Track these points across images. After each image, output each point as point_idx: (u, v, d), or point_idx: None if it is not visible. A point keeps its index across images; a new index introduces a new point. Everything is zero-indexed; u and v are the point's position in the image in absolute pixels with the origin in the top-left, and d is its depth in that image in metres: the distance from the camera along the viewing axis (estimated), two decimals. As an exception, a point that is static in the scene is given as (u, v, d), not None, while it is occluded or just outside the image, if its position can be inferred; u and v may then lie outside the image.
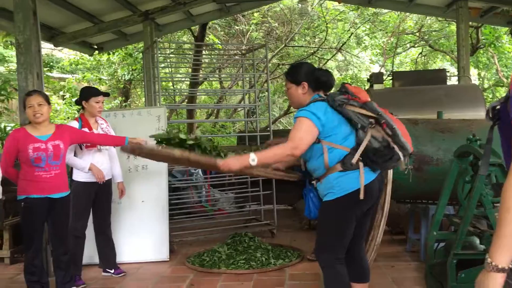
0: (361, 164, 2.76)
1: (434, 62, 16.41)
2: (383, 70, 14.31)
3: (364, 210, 2.92)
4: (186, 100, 11.88)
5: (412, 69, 15.25)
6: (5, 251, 5.14)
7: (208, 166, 2.95)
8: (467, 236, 2.92)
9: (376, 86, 6.88)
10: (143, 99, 7.37)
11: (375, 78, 7.04)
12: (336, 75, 18.62)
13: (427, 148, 4.30)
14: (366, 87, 8.29)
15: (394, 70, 11.98)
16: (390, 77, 8.14)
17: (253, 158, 2.63)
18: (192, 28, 10.93)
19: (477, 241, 2.98)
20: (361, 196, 2.73)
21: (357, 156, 2.72)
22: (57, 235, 3.89)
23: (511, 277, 1.50)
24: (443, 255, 3.06)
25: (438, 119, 4.80)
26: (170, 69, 7.97)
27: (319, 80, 2.92)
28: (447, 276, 2.77)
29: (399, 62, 16.82)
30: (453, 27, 11.56)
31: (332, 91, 3.03)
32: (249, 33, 12.99)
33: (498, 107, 1.74)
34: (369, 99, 2.86)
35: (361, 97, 2.82)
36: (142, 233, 5.06)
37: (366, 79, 9.01)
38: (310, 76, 2.93)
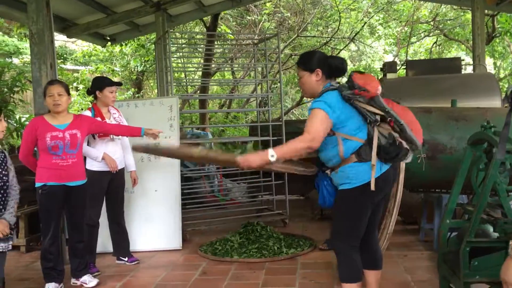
0: (374, 156, 2.76)
1: (449, 52, 16.19)
2: (396, 60, 14.16)
3: (379, 199, 2.93)
4: (199, 91, 11.89)
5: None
6: (21, 239, 5.21)
7: (227, 163, 2.93)
8: (480, 223, 2.88)
9: (390, 75, 6.82)
10: (156, 90, 7.39)
11: (389, 67, 6.96)
12: (349, 65, 18.50)
13: (440, 137, 4.25)
14: (380, 77, 8.20)
15: (407, 59, 11.84)
16: (404, 67, 8.05)
17: (272, 154, 2.63)
18: (204, 18, 10.90)
19: (491, 229, 2.94)
20: (372, 188, 2.74)
21: (374, 154, 2.73)
22: (73, 223, 3.97)
23: None
24: (456, 243, 3.03)
25: (452, 108, 4.74)
26: (182, 59, 7.98)
27: (332, 66, 2.89)
28: (459, 264, 2.74)
29: (413, 52, 16.63)
30: (468, 15, 11.38)
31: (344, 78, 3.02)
32: (261, 23, 12.94)
33: None
34: (378, 90, 2.80)
35: (369, 89, 2.76)
36: (155, 222, 5.10)
37: (379, 69, 8.92)
38: (323, 63, 2.89)
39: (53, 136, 3.74)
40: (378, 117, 2.76)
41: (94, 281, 3.99)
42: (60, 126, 3.81)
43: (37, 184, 3.81)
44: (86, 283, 3.98)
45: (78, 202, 3.92)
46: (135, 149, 3.38)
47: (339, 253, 2.93)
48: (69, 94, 3.91)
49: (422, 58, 15.75)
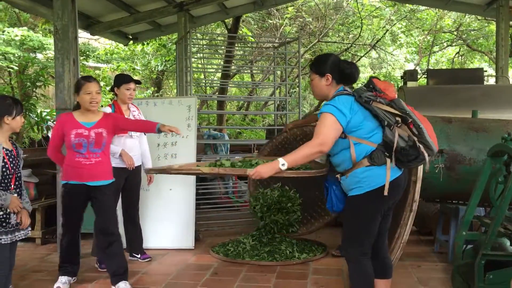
0: (388, 160, 2.75)
1: (472, 63, 15.99)
2: (418, 69, 14.04)
3: (389, 205, 2.91)
4: (217, 92, 11.95)
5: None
6: (37, 231, 5.29)
7: (238, 174, 2.96)
8: (497, 237, 2.84)
9: (410, 84, 6.75)
10: (175, 90, 7.46)
11: (409, 75, 6.90)
12: (370, 72, 18.39)
13: (460, 147, 4.20)
14: (400, 85, 8.15)
15: (429, 68, 11.73)
16: (425, 76, 7.97)
17: (283, 163, 2.70)
18: (226, 20, 10.96)
19: (508, 242, 2.90)
20: (385, 192, 2.72)
21: (390, 160, 2.72)
22: (99, 225, 3.80)
23: None
24: (471, 255, 2.99)
25: (473, 118, 4.68)
26: (202, 60, 8.03)
27: (343, 72, 2.90)
28: (474, 277, 2.70)
29: (435, 61, 16.46)
30: (493, 26, 11.23)
31: (359, 85, 3.02)
32: (282, 27, 12.95)
33: None
34: (396, 96, 2.82)
35: (388, 94, 2.79)
36: (168, 220, 5.13)
37: (399, 77, 8.86)
38: (334, 68, 2.90)
39: (78, 134, 3.67)
40: (399, 119, 2.75)
41: None
42: (87, 124, 3.73)
43: (61, 182, 3.80)
44: None
45: (103, 203, 3.76)
46: (148, 171, 3.40)
47: (350, 260, 2.91)
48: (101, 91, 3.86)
49: (444, 68, 15.59)
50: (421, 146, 2.72)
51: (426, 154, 2.72)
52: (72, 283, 3.92)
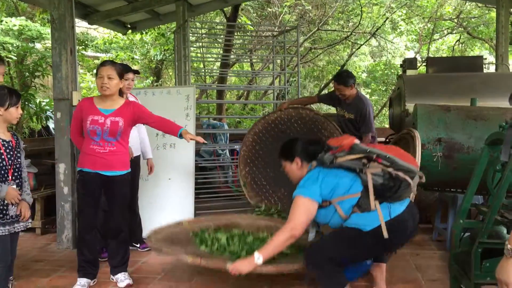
0: (376, 202, 2.73)
1: (472, 50, 15.90)
2: (418, 57, 13.98)
3: (394, 248, 2.92)
4: (216, 82, 11.92)
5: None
6: (37, 221, 5.31)
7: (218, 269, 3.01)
8: (494, 225, 2.84)
9: (409, 72, 6.71)
10: (176, 80, 7.45)
11: (409, 63, 6.86)
12: (370, 60, 18.32)
13: (458, 135, 4.19)
14: (399, 73, 8.11)
15: (429, 56, 11.66)
16: (424, 64, 7.94)
17: (257, 257, 2.71)
18: (225, 9, 10.88)
19: (504, 230, 2.91)
20: (385, 235, 2.67)
21: (372, 200, 2.71)
22: (110, 215, 3.72)
23: None
24: (468, 244, 2.99)
25: (471, 106, 4.66)
26: (201, 49, 7.99)
27: (309, 152, 3.00)
28: (471, 265, 2.71)
29: (435, 49, 16.37)
30: (493, 13, 11.15)
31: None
32: (281, 15, 12.86)
33: None
34: (354, 142, 2.89)
35: (345, 144, 2.87)
36: (168, 210, 5.14)
37: (399, 65, 8.83)
38: (301, 150, 3.02)
39: (94, 120, 3.54)
40: (364, 161, 2.77)
41: (126, 282, 3.69)
42: (105, 111, 3.58)
43: (77, 169, 3.67)
44: (118, 282, 3.72)
45: (115, 193, 3.64)
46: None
47: (321, 270, 2.81)
48: (121, 78, 3.63)
49: (444, 55, 15.52)
50: (399, 173, 2.71)
51: (408, 178, 2.71)
52: (92, 285, 3.71)
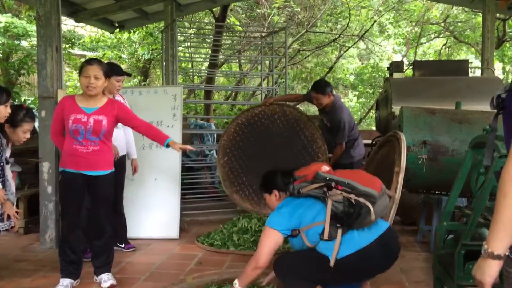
0: (339, 231, 2.76)
1: (458, 54, 16.08)
2: (405, 60, 14.09)
3: (358, 280, 3.00)
4: (205, 82, 11.88)
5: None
6: (20, 221, 5.22)
7: None
8: (477, 227, 2.87)
9: (396, 75, 6.76)
10: (163, 79, 7.41)
11: (395, 66, 6.92)
12: (358, 63, 18.42)
13: (443, 138, 4.23)
14: (386, 76, 8.16)
15: (415, 60, 11.76)
16: (411, 67, 8.00)
17: (235, 282, 2.91)
18: (214, 9, 10.86)
19: (487, 232, 2.94)
20: (331, 264, 2.71)
21: (326, 229, 2.74)
22: (92, 216, 3.69)
23: (509, 264, 1.47)
24: (452, 245, 3.02)
25: (456, 110, 4.71)
26: (190, 49, 7.96)
27: (284, 182, 3.07)
28: (454, 266, 2.74)
29: (422, 53, 16.53)
30: (480, 18, 11.28)
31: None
32: (270, 17, 12.88)
33: (503, 95, 1.71)
34: (322, 169, 2.95)
35: (309, 173, 2.93)
36: (153, 210, 5.12)
37: (386, 68, 8.88)
38: (277, 183, 3.12)
39: (76, 119, 3.46)
40: (325, 189, 2.82)
41: (109, 282, 3.63)
42: (88, 110, 3.49)
43: (60, 169, 3.61)
44: (101, 282, 3.66)
45: (99, 194, 3.59)
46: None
47: (286, 281, 2.91)
48: (106, 76, 3.56)
49: (431, 59, 15.66)
50: (360, 199, 2.74)
51: (368, 204, 2.72)
52: (75, 285, 3.66)
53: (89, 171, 3.53)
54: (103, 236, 3.69)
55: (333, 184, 2.80)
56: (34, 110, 7.89)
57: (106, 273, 3.70)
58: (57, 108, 3.63)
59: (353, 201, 2.73)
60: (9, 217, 3.15)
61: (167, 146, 3.68)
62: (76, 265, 3.65)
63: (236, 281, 2.92)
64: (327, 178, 2.83)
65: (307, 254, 2.87)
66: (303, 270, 2.82)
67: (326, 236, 2.74)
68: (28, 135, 3.37)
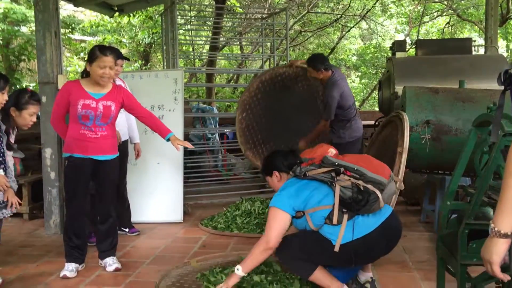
0: (345, 216, 2.73)
1: (462, 33, 15.91)
2: (408, 39, 13.95)
3: (360, 264, 2.98)
4: (206, 65, 11.82)
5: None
6: (24, 207, 5.26)
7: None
8: (481, 206, 2.85)
9: (399, 55, 6.71)
10: (164, 63, 7.34)
11: (398, 46, 6.85)
12: (360, 43, 18.26)
13: (446, 118, 4.19)
14: (389, 56, 8.08)
15: (418, 39, 11.65)
16: (414, 46, 7.92)
17: (237, 268, 2.81)
18: (214, -9, 10.75)
19: (491, 212, 2.92)
20: (336, 249, 2.71)
21: (335, 214, 2.72)
22: (99, 200, 3.68)
23: None
24: (455, 225, 3.00)
25: (460, 88, 4.66)
26: (190, 32, 7.89)
27: (286, 164, 3.05)
28: (457, 246, 2.72)
29: (425, 32, 16.37)
30: (483, -5, 11.14)
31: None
32: (271, -2, 12.75)
33: (511, 71, 1.68)
34: (329, 152, 2.94)
35: (316, 157, 2.90)
36: (157, 194, 5.13)
37: (389, 48, 8.80)
38: (277, 164, 3.08)
39: (85, 105, 3.43)
40: (333, 174, 2.79)
41: (114, 266, 3.65)
42: (95, 95, 3.48)
43: (64, 155, 3.57)
44: (106, 266, 3.68)
45: (105, 177, 3.61)
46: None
47: (289, 264, 2.91)
48: (116, 64, 3.60)
49: (434, 38, 15.50)
50: (368, 186, 2.71)
51: (377, 191, 2.70)
52: (80, 269, 3.66)
53: (98, 155, 3.53)
54: (108, 220, 3.70)
55: (341, 169, 2.77)
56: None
57: (111, 257, 3.72)
58: (62, 92, 3.56)
59: (361, 188, 2.70)
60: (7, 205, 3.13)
61: (168, 140, 3.69)
62: (81, 250, 3.67)
63: (238, 266, 2.82)
64: (336, 164, 2.79)
65: (310, 237, 2.86)
66: (306, 252, 2.82)
67: (335, 221, 2.72)
68: (34, 118, 3.36)
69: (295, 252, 2.82)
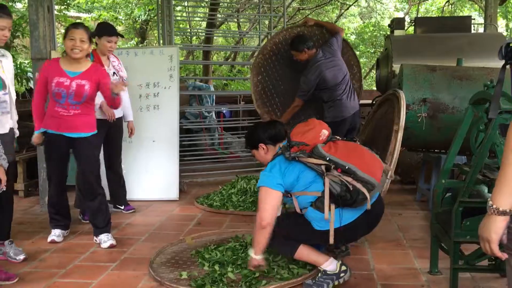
0: (332, 206, 2.72)
1: (462, 11, 15.74)
2: (407, 18, 13.80)
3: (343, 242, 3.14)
4: (203, 43, 11.70)
5: (438, 18, 14.67)
6: (19, 184, 5.26)
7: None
8: (475, 184, 2.85)
9: (397, 32, 6.63)
10: (161, 41, 7.24)
11: (396, 23, 6.77)
12: (359, 22, 18.09)
13: (443, 96, 4.17)
14: (387, 34, 8.01)
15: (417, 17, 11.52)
16: (413, 24, 7.84)
17: (250, 251, 2.89)
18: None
19: (486, 190, 2.92)
20: (331, 241, 2.73)
21: (326, 206, 2.69)
22: (82, 176, 3.80)
23: None
24: (450, 203, 3.01)
25: (457, 66, 4.63)
26: (187, 8, 7.78)
27: (271, 136, 3.00)
28: (451, 223, 2.73)
29: (425, 10, 16.20)
30: (484, -27, 10.98)
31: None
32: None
33: None
34: (321, 135, 2.86)
35: (307, 141, 2.81)
36: (152, 172, 5.11)
37: (387, 26, 8.71)
38: (262, 136, 3.02)
39: (59, 83, 3.53)
40: (323, 167, 2.72)
41: (108, 242, 3.68)
42: (71, 73, 3.56)
43: (41, 130, 3.67)
44: (101, 243, 3.72)
45: (82, 155, 3.69)
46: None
47: (270, 242, 2.88)
48: (91, 41, 3.65)
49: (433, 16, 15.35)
50: (357, 185, 2.66)
51: (365, 191, 2.66)
52: (66, 235, 3.88)
53: (70, 132, 3.61)
54: (96, 197, 3.75)
55: (332, 166, 2.72)
56: (30, 73, 7.81)
57: (105, 234, 3.74)
58: (41, 71, 3.65)
59: (350, 187, 2.66)
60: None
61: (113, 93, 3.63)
62: (63, 217, 3.87)
63: (251, 250, 2.87)
64: (327, 158, 2.72)
65: (293, 217, 2.88)
66: (289, 232, 2.83)
67: (326, 217, 2.70)
68: (6, 33, 3.20)
69: (277, 231, 2.81)
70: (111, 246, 3.67)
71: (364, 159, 2.78)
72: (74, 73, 3.57)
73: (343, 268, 2.88)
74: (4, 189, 2.98)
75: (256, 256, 2.83)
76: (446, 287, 2.86)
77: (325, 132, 2.92)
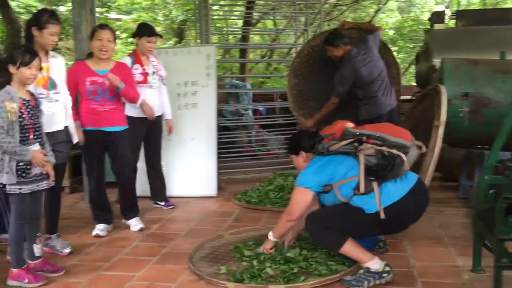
0: (375, 184, 2.76)
1: (505, 2, 15.21)
2: (448, 11, 13.44)
3: (393, 232, 3.14)
4: (239, 41, 11.76)
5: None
6: (66, 180, 5.41)
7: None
8: (520, 180, 2.77)
9: (437, 26, 6.48)
10: (198, 41, 7.33)
11: (436, 17, 6.62)
12: (397, 16, 17.75)
13: (486, 90, 4.06)
14: (427, 28, 7.83)
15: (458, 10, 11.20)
16: (454, 17, 7.63)
17: (270, 234, 3.15)
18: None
19: (531, 186, 2.83)
20: (382, 216, 2.74)
21: (362, 183, 2.75)
22: (117, 166, 4.00)
23: None
24: (493, 200, 2.93)
25: (500, 60, 4.49)
26: (223, 7, 7.84)
27: (313, 146, 3.06)
28: (495, 220, 2.66)
29: (466, 3, 15.73)
30: (530, -38, 10.58)
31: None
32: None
33: None
34: (348, 124, 2.98)
35: (336, 131, 2.93)
36: (191, 169, 5.20)
37: (427, 20, 8.52)
38: (305, 144, 3.11)
39: (93, 81, 3.77)
40: (356, 144, 2.81)
41: (139, 226, 4.02)
42: (101, 72, 3.80)
43: (83, 129, 3.84)
44: (131, 226, 4.06)
45: (118, 148, 3.92)
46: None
47: (319, 238, 2.95)
48: (115, 42, 3.89)
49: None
50: (392, 151, 2.73)
51: (402, 154, 2.72)
52: (109, 230, 4.02)
53: (108, 127, 3.84)
54: (124, 181, 4.03)
55: (364, 138, 2.79)
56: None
57: (135, 218, 4.07)
58: (68, 74, 3.70)
59: (386, 153, 2.72)
60: (48, 177, 3.19)
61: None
62: (106, 212, 4.02)
63: (270, 233, 3.11)
64: (357, 133, 2.82)
65: (340, 207, 2.89)
66: (336, 222, 2.84)
67: (362, 190, 2.75)
68: (55, 38, 3.34)
69: (324, 222, 2.85)
70: (141, 230, 3.99)
71: (390, 127, 2.91)
72: (103, 71, 3.79)
73: (387, 268, 2.85)
74: (53, 184, 3.10)
75: (273, 239, 3.09)
76: (489, 285, 2.78)
77: (350, 125, 3.04)
